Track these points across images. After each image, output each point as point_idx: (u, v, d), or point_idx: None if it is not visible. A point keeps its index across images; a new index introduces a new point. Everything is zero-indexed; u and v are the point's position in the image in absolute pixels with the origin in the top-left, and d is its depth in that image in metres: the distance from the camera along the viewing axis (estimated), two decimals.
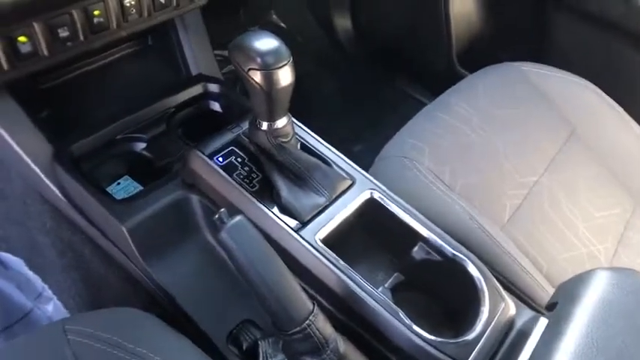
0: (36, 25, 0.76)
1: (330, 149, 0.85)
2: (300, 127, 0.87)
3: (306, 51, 1.76)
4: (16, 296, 1.24)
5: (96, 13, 0.81)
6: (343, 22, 1.83)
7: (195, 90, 1.03)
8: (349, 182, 0.80)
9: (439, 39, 1.58)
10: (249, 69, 0.69)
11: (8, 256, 1.24)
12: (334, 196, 0.78)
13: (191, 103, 1.02)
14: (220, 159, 0.80)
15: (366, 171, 0.84)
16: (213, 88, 1.03)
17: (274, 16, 1.78)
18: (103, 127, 0.93)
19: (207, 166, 0.79)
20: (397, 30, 1.71)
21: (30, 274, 1.22)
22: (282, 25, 1.79)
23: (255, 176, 0.79)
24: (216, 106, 1.04)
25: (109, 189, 0.95)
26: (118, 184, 0.97)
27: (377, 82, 1.81)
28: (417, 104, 1.76)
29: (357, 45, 1.85)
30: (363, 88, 1.81)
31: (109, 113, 0.95)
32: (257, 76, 0.69)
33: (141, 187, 0.95)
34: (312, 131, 0.88)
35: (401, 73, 1.79)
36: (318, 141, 0.86)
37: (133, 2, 0.85)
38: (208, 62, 1.07)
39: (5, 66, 0.76)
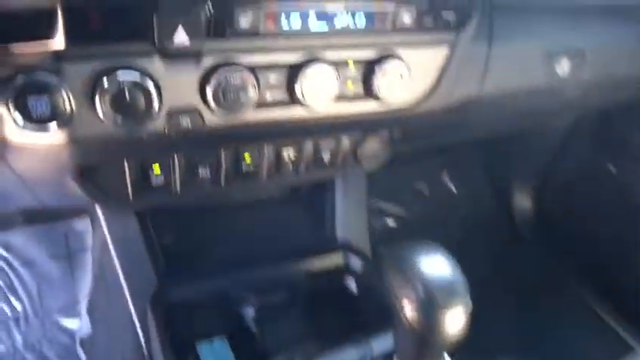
0: (176, 158, 0.66)
1: None
2: None
3: (471, 223, 1.54)
4: None
5: (247, 158, 0.70)
6: (524, 201, 1.59)
7: (335, 259, 0.88)
8: None
9: None
10: (404, 299, 0.48)
11: None
12: None
13: (325, 273, 0.86)
14: None
15: None
16: (356, 263, 0.87)
17: (445, 177, 1.60)
18: (215, 276, 0.82)
19: None
20: (589, 230, 1.44)
21: None
22: (452, 188, 1.60)
23: None
24: (352, 286, 0.86)
25: (199, 346, 0.80)
26: (212, 343, 0.83)
27: (549, 282, 1.51)
28: (599, 323, 1.40)
29: (533, 230, 1.58)
30: (531, 283, 1.52)
31: (227, 260, 0.85)
32: (410, 313, 0.48)
33: None
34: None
35: (583, 280, 1.48)
36: None
37: (291, 155, 0.72)
38: (359, 229, 0.92)
39: (131, 196, 0.66)
